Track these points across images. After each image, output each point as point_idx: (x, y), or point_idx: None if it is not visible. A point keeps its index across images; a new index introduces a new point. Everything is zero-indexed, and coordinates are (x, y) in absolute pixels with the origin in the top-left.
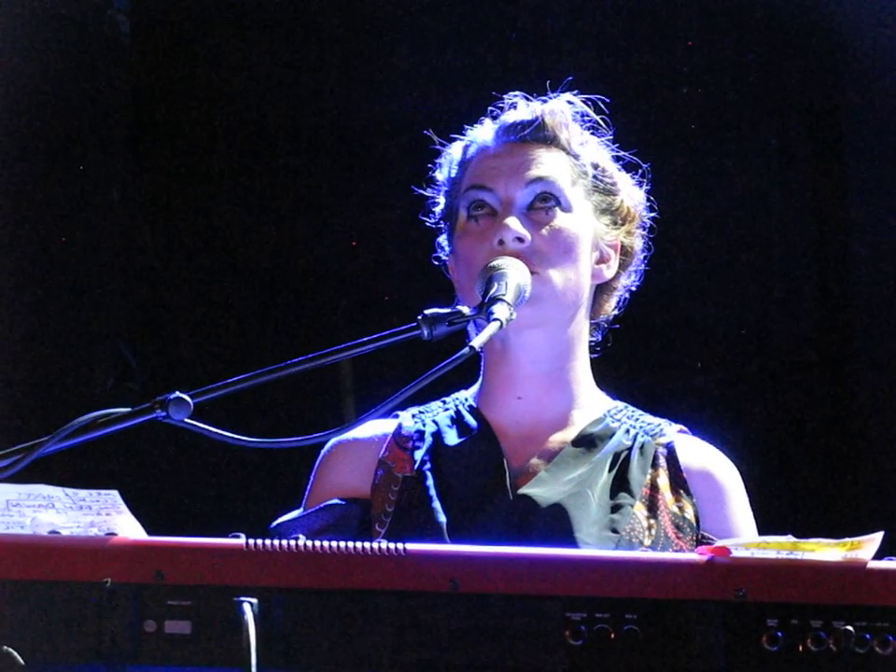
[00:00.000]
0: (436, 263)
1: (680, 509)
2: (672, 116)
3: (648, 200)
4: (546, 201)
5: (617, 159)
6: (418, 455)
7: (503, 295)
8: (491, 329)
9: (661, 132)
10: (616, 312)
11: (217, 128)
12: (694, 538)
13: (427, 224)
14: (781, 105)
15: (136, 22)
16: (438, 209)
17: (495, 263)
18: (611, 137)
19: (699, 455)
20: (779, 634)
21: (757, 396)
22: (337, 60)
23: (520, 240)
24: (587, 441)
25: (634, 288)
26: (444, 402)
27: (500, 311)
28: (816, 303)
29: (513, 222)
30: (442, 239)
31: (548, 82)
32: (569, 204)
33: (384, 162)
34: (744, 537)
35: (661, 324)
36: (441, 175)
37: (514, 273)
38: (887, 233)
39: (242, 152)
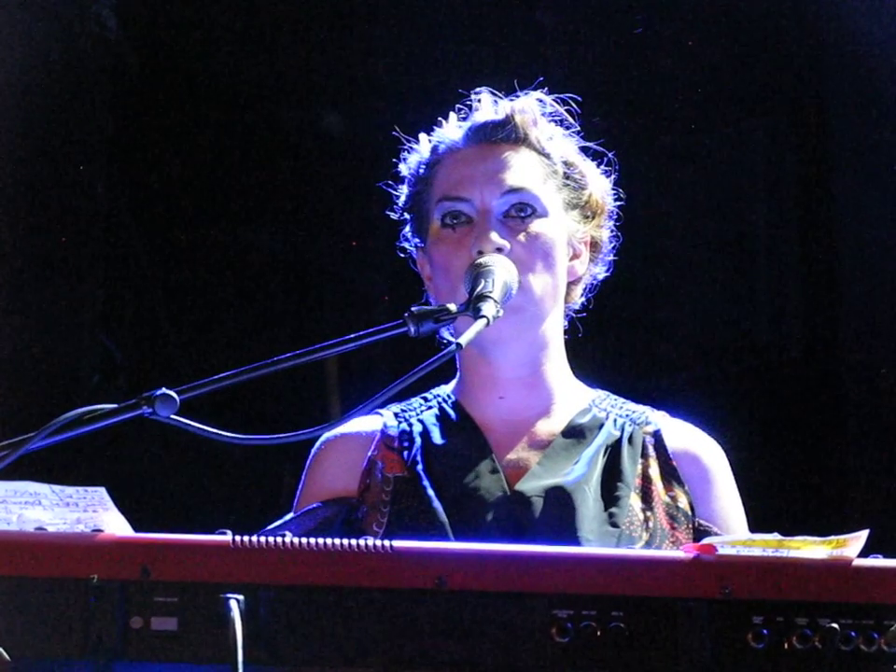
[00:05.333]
0: (402, 255)
1: (673, 499)
2: (656, 114)
3: (614, 189)
4: (523, 209)
5: (584, 150)
6: (409, 455)
7: (490, 292)
8: (478, 326)
9: (644, 130)
10: (583, 299)
11: (201, 121)
12: (690, 526)
13: (392, 218)
14: (767, 100)
15: (123, 18)
16: (401, 200)
17: (482, 261)
18: (578, 129)
19: (685, 438)
20: (765, 631)
21: (742, 394)
22: (320, 50)
23: (499, 250)
24: (577, 432)
25: (601, 277)
26: (426, 399)
27: (487, 308)
28: (800, 300)
29: (494, 235)
30: (407, 231)
31: (516, 81)
32: (545, 209)
33: (366, 157)
34: (732, 519)
35: (645, 322)
36: (405, 169)
37: (501, 271)
38: (871, 229)
39: (226, 145)
